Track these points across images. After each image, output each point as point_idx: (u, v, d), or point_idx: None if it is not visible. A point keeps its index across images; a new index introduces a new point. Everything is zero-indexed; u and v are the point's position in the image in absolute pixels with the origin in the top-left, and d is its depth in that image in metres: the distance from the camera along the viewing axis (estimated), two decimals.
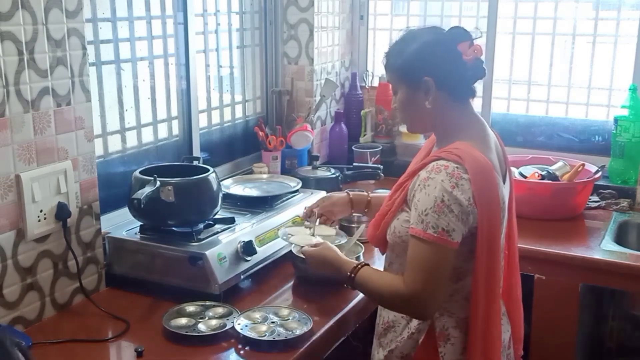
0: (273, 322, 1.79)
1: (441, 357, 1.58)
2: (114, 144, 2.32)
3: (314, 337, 1.76)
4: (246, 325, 1.76)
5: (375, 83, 3.39)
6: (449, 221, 1.46)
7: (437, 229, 1.46)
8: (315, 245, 1.79)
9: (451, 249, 1.48)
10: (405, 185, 1.58)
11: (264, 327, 1.76)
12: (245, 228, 2.14)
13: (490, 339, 1.57)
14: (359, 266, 1.63)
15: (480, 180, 1.48)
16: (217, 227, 2.11)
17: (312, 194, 2.52)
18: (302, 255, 1.85)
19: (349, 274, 1.63)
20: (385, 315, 1.69)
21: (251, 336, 1.72)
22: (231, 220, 2.16)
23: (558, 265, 2.31)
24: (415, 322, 1.61)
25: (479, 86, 1.64)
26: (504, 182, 1.62)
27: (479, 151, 1.52)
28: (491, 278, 1.55)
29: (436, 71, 1.55)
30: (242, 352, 1.70)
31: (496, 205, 1.52)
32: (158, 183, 1.95)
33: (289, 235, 1.98)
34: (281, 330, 1.75)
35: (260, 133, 2.93)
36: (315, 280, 2.04)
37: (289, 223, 2.21)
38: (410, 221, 1.53)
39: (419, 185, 1.51)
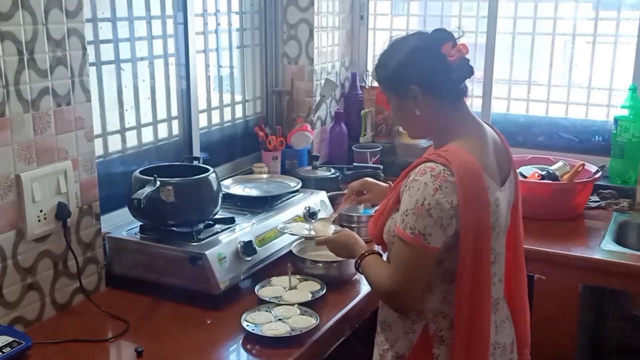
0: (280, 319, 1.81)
1: (435, 358, 1.58)
2: (114, 144, 2.32)
3: (314, 337, 1.76)
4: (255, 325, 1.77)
5: (375, 83, 3.38)
6: (426, 225, 1.46)
7: (414, 230, 1.47)
8: (336, 233, 1.87)
9: (426, 252, 1.48)
10: (399, 185, 1.60)
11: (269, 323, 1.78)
12: (245, 228, 2.14)
13: (477, 343, 1.55)
14: (366, 253, 1.67)
15: (466, 183, 1.47)
16: (217, 227, 2.11)
17: (312, 194, 2.52)
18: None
19: (356, 259, 1.69)
20: (382, 315, 1.70)
21: (257, 333, 1.73)
22: (231, 220, 2.16)
23: (558, 265, 2.31)
24: (409, 323, 1.61)
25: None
26: (503, 184, 1.61)
27: (471, 153, 1.52)
28: (478, 281, 1.53)
29: (421, 78, 1.56)
30: (245, 350, 1.71)
31: (484, 208, 1.51)
32: (158, 183, 1.95)
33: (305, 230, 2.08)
34: (285, 327, 1.76)
35: (260, 133, 2.93)
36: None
37: (289, 220, 2.24)
38: None
39: (406, 186, 1.53)
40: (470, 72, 1.59)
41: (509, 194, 1.65)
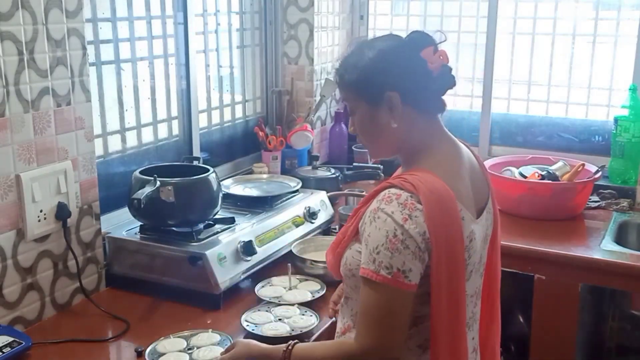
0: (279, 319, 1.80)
1: None
2: (114, 144, 2.32)
3: (314, 337, 1.76)
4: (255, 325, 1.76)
5: None
6: (404, 260, 1.26)
7: (392, 269, 1.26)
8: (230, 348, 1.53)
9: (409, 292, 1.27)
10: (360, 212, 1.38)
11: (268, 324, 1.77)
12: (245, 228, 2.14)
13: None
14: (290, 347, 1.40)
15: (435, 213, 1.27)
16: (217, 227, 2.11)
17: (312, 194, 2.52)
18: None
19: (283, 351, 1.40)
20: None
21: (257, 333, 1.72)
22: (231, 220, 2.16)
23: (558, 265, 2.30)
24: None
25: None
26: (480, 215, 1.42)
27: (443, 178, 1.32)
28: (455, 327, 1.33)
29: (399, 83, 1.35)
30: None
31: (457, 241, 1.31)
32: (158, 183, 1.95)
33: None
34: (285, 327, 1.76)
35: (260, 133, 2.94)
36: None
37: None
38: (361, 252, 1.34)
39: (369, 217, 1.31)
40: (451, 82, 1.39)
41: (486, 226, 1.45)
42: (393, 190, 1.30)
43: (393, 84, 1.35)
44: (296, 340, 1.43)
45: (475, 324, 1.49)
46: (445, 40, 1.39)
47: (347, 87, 1.43)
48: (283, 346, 1.41)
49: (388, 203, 1.29)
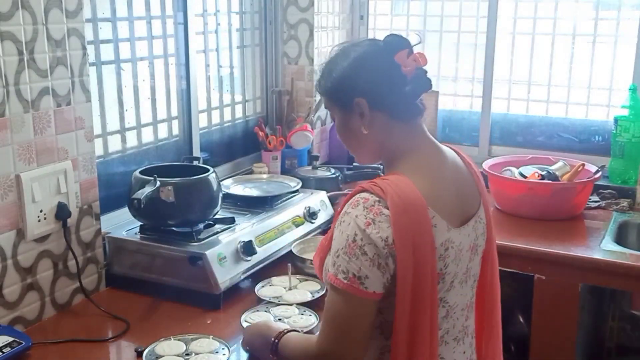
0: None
1: None
2: (114, 144, 2.32)
3: None
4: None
5: None
6: (360, 266, 1.24)
7: (348, 274, 1.24)
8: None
9: (365, 299, 1.25)
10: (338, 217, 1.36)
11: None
12: (245, 228, 2.14)
13: None
14: (285, 332, 1.47)
15: (402, 219, 1.24)
16: (217, 227, 2.11)
17: (312, 194, 2.52)
18: None
19: (272, 339, 1.47)
20: None
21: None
22: (231, 220, 2.16)
23: (558, 265, 2.31)
24: None
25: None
26: (465, 223, 1.37)
27: (416, 184, 1.28)
28: (416, 339, 1.28)
29: (368, 90, 1.34)
30: (245, 350, 1.71)
31: (427, 249, 1.26)
32: (158, 183, 1.95)
33: None
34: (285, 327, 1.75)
35: (260, 133, 2.94)
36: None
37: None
38: None
39: (338, 220, 1.31)
40: (427, 85, 1.36)
41: (475, 236, 1.40)
42: (363, 194, 1.29)
43: (361, 91, 1.35)
44: (294, 329, 1.52)
45: (467, 338, 1.45)
46: (420, 42, 1.38)
47: (323, 94, 1.45)
48: (280, 328, 1.50)
49: (354, 207, 1.28)
